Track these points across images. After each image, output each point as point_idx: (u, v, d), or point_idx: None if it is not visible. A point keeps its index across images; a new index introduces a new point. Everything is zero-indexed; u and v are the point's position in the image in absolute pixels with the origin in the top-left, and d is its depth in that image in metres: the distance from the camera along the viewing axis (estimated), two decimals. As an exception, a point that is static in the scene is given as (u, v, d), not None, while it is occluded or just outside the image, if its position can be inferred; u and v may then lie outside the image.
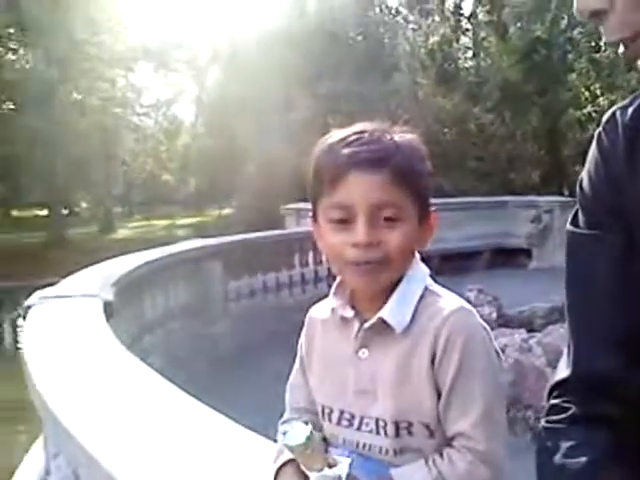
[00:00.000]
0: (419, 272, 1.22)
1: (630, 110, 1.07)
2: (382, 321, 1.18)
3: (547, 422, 1.10)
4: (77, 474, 2.51)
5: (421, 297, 1.20)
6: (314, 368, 1.30)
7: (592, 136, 1.13)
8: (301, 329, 1.34)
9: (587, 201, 1.10)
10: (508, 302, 9.12)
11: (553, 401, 1.11)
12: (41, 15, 26.98)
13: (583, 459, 1.01)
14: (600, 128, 1.11)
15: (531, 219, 15.39)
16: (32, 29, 28.19)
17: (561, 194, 19.00)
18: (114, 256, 7.44)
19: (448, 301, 1.19)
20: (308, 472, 1.16)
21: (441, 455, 1.16)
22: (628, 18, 0.95)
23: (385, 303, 1.19)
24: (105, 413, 2.59)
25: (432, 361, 1.15)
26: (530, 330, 7.46)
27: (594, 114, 21.96)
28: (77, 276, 6.11)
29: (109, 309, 4.76)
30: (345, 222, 1.16)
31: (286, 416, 1.34)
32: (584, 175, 1.12)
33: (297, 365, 1.34)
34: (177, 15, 42.75)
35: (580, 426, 1.05)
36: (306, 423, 1.15)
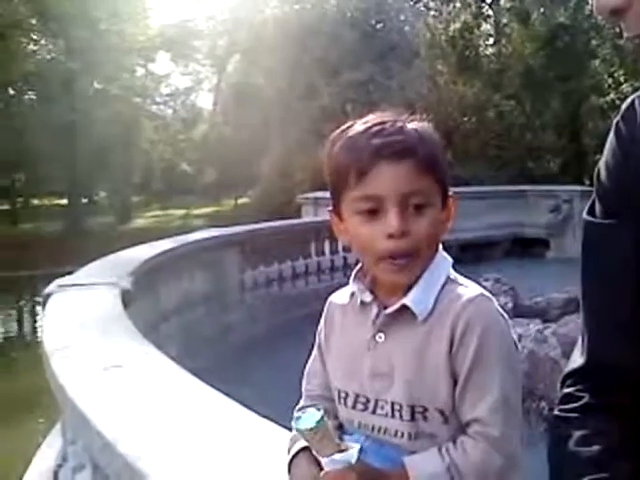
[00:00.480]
0: (443, 261, 1.23)
1: None
2: (404, 307, 1.19)
3: (560, 411, 1.10)
4: (94, 460, 2.54)
5: (443, 285, 1.20)
6: (331, 352, 1.30)
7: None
8: (318, 318, 1.35)
9: (604, 191, 1.09)
10: (524, 292, 9.06)
11: (566, 390, 1.11)
12: (62, 5, 27.10)
13: (596, 447, 1.01)
14: (618, 117, 1.10)
15: (550, 209, 15.25)
16: (53, 19, 28.34)
17: (581, 183, 18.77)
18: (131, 245, 7.47)
19: (468, 289, 1.20)
20: (319, 457, 1.17)
21: (455, 443, 1.15)
22: None
23: (407, 290, 1.19)
24: (121, 400, 2.61)
25: (450, 347, 1.15)
26: (545, 320, 7.41)
27: (617, 101, 21.62)
28: (95, 264, 6.16)
29: (127, 297, 4.79)
30: (373, 213, 1.17)
31: (301, 403, 1.34)
32: (602, 165, 1.11)
33: (315, 352, 1.35)
34: (197, 4, 42.83)
35: (593, 415, 1.05)
36: (319, 410, 1.15)
